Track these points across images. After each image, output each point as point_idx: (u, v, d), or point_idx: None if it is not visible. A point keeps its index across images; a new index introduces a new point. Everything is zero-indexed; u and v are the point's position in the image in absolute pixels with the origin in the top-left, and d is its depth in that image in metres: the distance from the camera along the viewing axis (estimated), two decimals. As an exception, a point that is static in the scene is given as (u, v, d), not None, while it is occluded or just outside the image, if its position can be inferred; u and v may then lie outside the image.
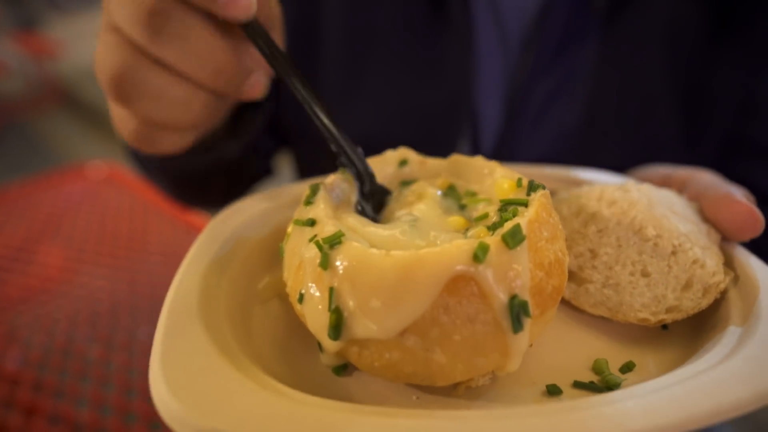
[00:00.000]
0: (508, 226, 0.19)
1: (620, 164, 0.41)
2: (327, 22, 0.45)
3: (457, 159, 0.28)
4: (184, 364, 0.18)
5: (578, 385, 0.21)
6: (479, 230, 0.21)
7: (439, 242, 0.21)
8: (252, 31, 0.25)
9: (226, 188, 0.48)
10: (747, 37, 0.42)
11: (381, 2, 0.44)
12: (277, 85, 0.40)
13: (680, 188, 0.30)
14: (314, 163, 0.46)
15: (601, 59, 0.41)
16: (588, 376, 0.22)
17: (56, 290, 0.78)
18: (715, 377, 0.17)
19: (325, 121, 0.25)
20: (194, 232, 0.77)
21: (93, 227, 0.92)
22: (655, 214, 0.25)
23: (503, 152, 0.42)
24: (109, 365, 0.63)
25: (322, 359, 0.22)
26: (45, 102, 3.43)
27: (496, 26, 0.43)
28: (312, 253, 0.20)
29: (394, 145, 0.42)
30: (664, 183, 0.31)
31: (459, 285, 0.18)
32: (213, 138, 0.35)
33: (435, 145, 0.43)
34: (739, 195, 0.26)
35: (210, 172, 0.40)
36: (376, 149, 0.31)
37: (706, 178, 0.28)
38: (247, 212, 0.28)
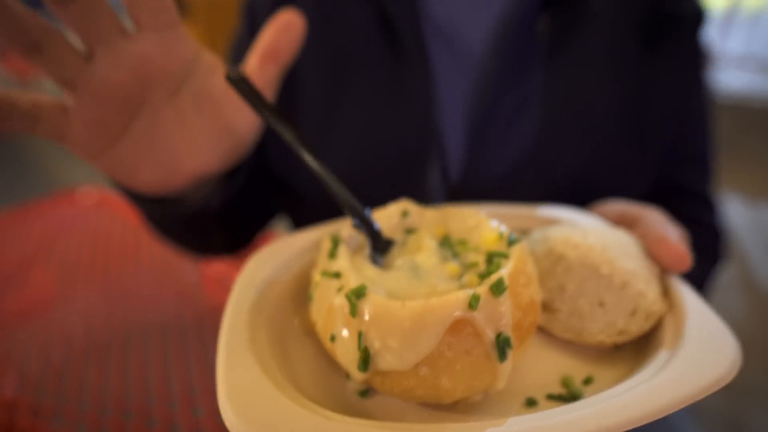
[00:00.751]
0: (493, 278, 0.25)
1: (576, 180, 0.47)
2: (303, 70, 0.50)
3: (449, 211, 0.34)
4: (245, 394, 0.23)
5: (551, 396, 0.27)
6: (471, 277, 0.27)
7: (439, 288, 0.27)
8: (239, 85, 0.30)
9: (225, 239, 0.51)
10: (672, 59, 0.49)
11: (348, 48, 0.49)
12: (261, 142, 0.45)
13: (631, 224, 0.36)
14: (311, 217, 0.49)
15: (549, 85, 0.47)
16: (558, 389, 0.28)
17: (50, 315, 0.80)
18: (648, 387, 0.23)
19: (343, 192, 0.30)
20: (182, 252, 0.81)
21: (85, 251, 0.94)
22: (609, 256, 0.31)
23: (469, 174, 0.48)
24: (106, 389, 0.65)
25: (349, 386, 0.27)
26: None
27: (452, 58, 0.49)
28: (341, 301, 0.25)
29: (370, 175, 0.48)
30: (618, 218, 0.37)
31: (458, 327, 0.24)
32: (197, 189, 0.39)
33: (407, 172, 0.48)
34: (674, 237, 0.32)
35: (198, 220, 0.42)
36: (354, 180, 0.36)
37: (651, 218, 0.35)
38: (274, 259, 0.33)
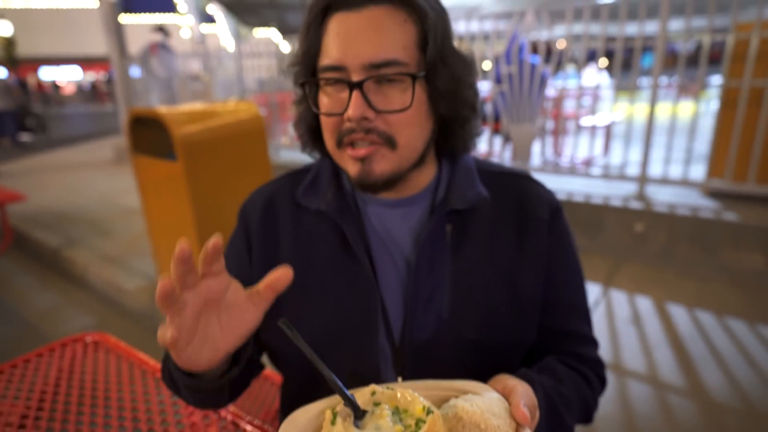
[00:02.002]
0: None
1: (479, 338, 0.65)
2: (285, 262, 0.70)
3: (398, 390, 0.51)
4: None
5: None
6: (408, 435, 0.44)
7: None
8: (288, 329, 0.50)
9: (231, 394, 0.68)
10: (540, 243, 0.70)
11: (316, 249, 0.70)
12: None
13: (508, 393, 0.53)
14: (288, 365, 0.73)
15: (454, 271, 0.67)
16: None
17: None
18: None
19: (342, 388, 0.48)
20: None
21: (87, 393, 1.00)
22: (485, 416, 0.47)
23: (406, 336, 0.66)
24: None
25: None
26: (3, 248, 3.44)
27: (388, 256, 0.69)
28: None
29: (335, 338, 0.67)
30: (502, 388, 0.54)
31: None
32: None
33: (361, 337, 0.66)
34: (521, 404, 0.50)
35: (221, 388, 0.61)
36: (324, 340, 0.62)
37: (518, 390, 0.53)
38: (296, 425, 0.49)
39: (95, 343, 1.18)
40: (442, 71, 0.61)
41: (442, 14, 0.62)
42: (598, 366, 0.74)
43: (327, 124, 0.64)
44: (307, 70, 0.64)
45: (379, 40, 0.57)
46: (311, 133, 0.70)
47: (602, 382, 0.75)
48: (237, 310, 0.52)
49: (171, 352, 0.50)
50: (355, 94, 0.58)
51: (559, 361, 0.71)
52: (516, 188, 0.73)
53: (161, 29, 7.02)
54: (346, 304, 0.67)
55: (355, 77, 0.58)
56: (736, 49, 2.89)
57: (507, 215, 0.70)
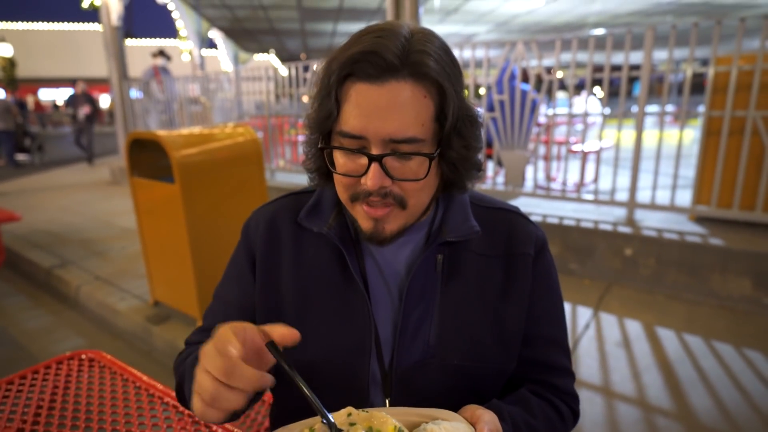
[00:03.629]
0: None
1: (464, 366, 0.68)
2: (285, 286, 0.74)
3: (372, 413, 0.54)
4: None
5: None
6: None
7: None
8: (273, 350, 0.53)
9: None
10: (524, 279, 0.73)
11: (315, 273, 0.73)
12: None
13: (475, 421, 0.57)
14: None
15: (443, 300, 0.70)
16: None
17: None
18: None
19: (321, 407, 0.51)
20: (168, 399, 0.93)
21: (81, 409, 1.01)
22: None
23: (395, 362, 0.69)
24: None
25: None
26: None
27: (382, 283, 0.72)
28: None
29: (330, 362, 0.70)
30: (470, 416, 0.59)
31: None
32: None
33: (354, 361, 0.69)
34: (486, 430, 0.55)
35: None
36: (319, 365, 0.66)
37: (484, 418, 0.57)
38: None
39: (90, 360, 1.20)
40: (455, 143, 0.63)
41: (457, 77, 0.62)
42: (572, 399, 0.77)
43: (342, 181, 0.65)
44: (324, 131, 0.64)
45: (400, 118, 0.58)
46: (322, 176, 0.72)
47: (575, 416, 0.77)
48: (262, 353, 0.55)
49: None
50: (375, 166, 0.60)
51: (534, 392, 0.74)
52: (506, 223, 0.76)
53: (162, 53, 7.17)
54: (342, 327, 0.70)
55: (375, 150, 0.60)
56: (717, 81, 3.01)
57: (496, 249, 0.74)
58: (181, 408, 1.00)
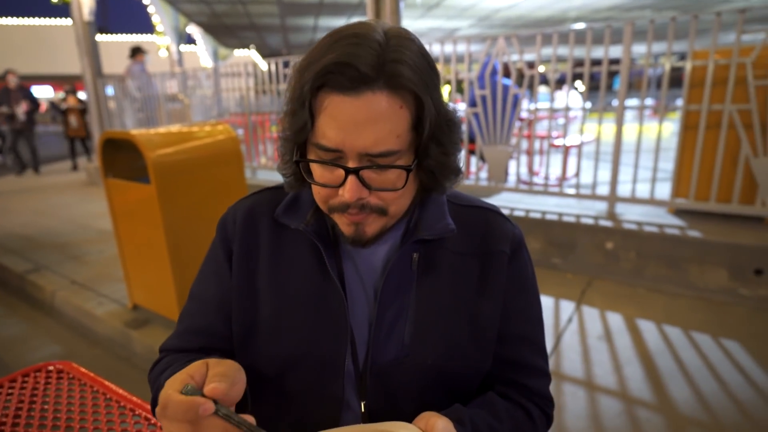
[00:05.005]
0: None
1: (439, 364, 0.67)
2: (261, 282, 0.73)
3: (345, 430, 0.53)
4: None
5: None
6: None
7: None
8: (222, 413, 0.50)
9: None
10: (500, 276, 0.72)
11: (293, 267, 0.72)
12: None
13: (430, 430, 0.57)
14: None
15: (418, 298, 0.70)
16: None
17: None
18: None
19: None
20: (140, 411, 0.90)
21: (48, 424, 0.98)
22: None
23: (370, 360, 0.68)
24: None
25: None
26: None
27: (358, 280, 0.71)
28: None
29: (305, 359, 0.69)
30: (424, 425, 0.58)
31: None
32: None
33: (330, 360, 0.68)
34: None
35: None
36: (295, 361, 0.66)
37: (438, 427, 0.57)
38: None
39: (59, 372, 1.15)
40: (432, 150, 0.62)
41: (434, 82, 0.60)
42: (544, 402, 0.76)
43: (319, 191, 0.65)
44: (299, 141, 0.63)
45: (376, 132, 0.57)
46: (299, 180, 0.70)
47: (548, 419, 0.76)
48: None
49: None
50: (352, 178, 0.59)
51: (503, 395, 0.73)
52: (482, 221, 0.75)
53: (139, 50, 7.02)
54: (318, 324, 0.69)
55: (352, 163, 0.59)
56: (694, 76, 3.05)
57: (472, 248, 0.73)
58: (154, 420, 0.97)
